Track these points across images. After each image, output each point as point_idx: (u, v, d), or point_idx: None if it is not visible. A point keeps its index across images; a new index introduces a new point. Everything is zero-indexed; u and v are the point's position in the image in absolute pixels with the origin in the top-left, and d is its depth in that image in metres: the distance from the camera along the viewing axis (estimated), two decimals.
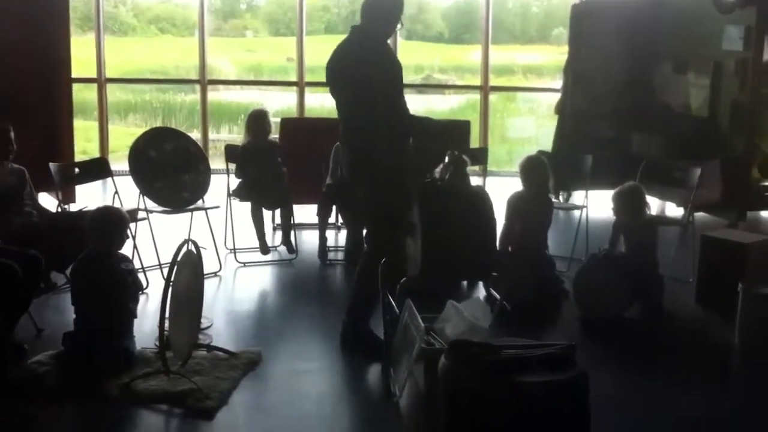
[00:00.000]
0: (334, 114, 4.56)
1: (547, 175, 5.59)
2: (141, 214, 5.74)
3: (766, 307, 4.67)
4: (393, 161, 4.27)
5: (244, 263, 6.18)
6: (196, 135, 9.40)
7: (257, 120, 6.32)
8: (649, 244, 5.29)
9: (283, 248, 6.37)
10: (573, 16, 8.56)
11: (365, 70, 4.21)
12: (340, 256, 6.38)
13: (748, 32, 7.53)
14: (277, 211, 6.52)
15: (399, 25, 4.40)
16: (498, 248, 5.30)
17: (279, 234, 6.63)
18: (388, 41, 4.56)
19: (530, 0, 19.94)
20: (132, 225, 5.18)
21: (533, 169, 5.61)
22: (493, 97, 10.40)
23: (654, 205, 7.74)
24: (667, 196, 7.56)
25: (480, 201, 4.40)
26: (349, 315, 4.55)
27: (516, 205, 5.58)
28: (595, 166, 6.66)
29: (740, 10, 7.53)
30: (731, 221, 7.28)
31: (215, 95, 13.08)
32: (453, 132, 6.49)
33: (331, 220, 6.52)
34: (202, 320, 4.52)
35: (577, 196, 7.29)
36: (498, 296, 5.12)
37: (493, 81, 10.23)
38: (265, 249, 6.20)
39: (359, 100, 4.28)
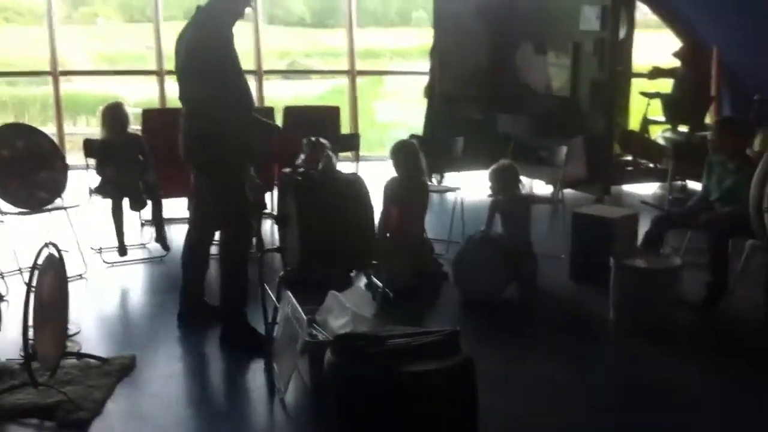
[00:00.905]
0: None
1: (419, 159, 5.57)
2: None
3: (635, 278, 4.81)
4: (228, 150, 4.20)
5: (111, 263, 5.87)
6: (51, 129, 8.88)
7: (112, 114, 6.02)
8: (524, 221, 5.37)
9: (154, 245, 6.09)
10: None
11: (202, 52, 4.12)
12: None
13: (604, 12, 7.78)
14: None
15: (247, 9, 4.28)
16: (377, 235, 5.28)
17: (149, 230, 6.33)
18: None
19: None
20: None
21: (404, 154, 5.58)
22: (360, 81, 10.34)
23: (526, 183, 7.92)
24: (536, 175, 7.73)
25: (355, 188, 4.31)
26: (224, 313, 4.40)
27: (391, 190, 5.54)
28: (466, 147, 6.72)
29: None
30: (597, 196, 7.53)
31: (70, 87, 12.42)
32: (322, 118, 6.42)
33: None
34: (70, 327, 4.25)
35: (451, 178, 7.34)
36: (380, 284, 5.07)
37: (360, 65, 10.16)
38: (122, 250, 5.90)
39: (196, 84, 4.20)
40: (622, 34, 8.46)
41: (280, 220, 4.44)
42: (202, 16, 4.22)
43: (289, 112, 7.42)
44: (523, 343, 4.61)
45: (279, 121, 7.16)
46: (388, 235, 5.45)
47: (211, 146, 4.20)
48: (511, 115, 8.38)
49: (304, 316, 3.85)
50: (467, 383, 3.22)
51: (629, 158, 8.64)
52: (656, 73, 8.90)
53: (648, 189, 8.21)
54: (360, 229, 4.26)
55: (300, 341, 3.77)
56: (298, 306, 3.88)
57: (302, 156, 5.77)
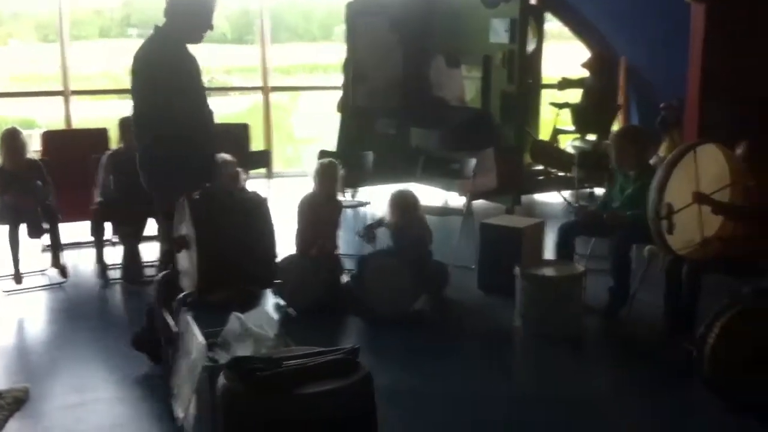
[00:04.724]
0: (104, 123, 4.34)
1: (338, 178, 5.56)
2: None
3: (540, 286, 4.87)
4: (167, 168, 4.12)
5: (7, 292, 5.67)
6: None
7: (8, 141, 5.84)
8: (420, 239, 5.35)
9: (53, 271, 5.91)
10: (348, 14, 8.60)
11: (148, 72, 4.10)
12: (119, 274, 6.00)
13: (513, 25, 7.89)
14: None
15: (208, 30, 4.22)
16: (297, 251, 5.28)
17: (48, 256, 6.13)
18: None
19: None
20: None
21: (328, 173, 5.54)
22: (279, 96, 10.27)
23: (438, 195, 7.97)
24: (448, 187, 7.78)
25: (256, 207, 4.25)
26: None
27: (306, 207, 5.50)
28: (378, 162, 6.73)
29: (505, 3, 7.88)
30: (508, 206, 7.61)
31: None
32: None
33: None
34: None
35: (363, 193, 7.33)
36: (283, 303, 5.03)
37: (279, 80, 10.10)
38: (18, 278, 5.71)
39: (143, 102, 4.16)
40: (531, 46, 8.61)
41: (177, 241, 4.34)
42: (156, 36, 4.18)
43: None
44: (432, 355, 4.61)
45: None
46: (303, 251, 5.39)
47: (155, 173, 4.15)
48: (424, 128, 8.43)
49: (203, 340, 3.77)
50: (365, 401, 3.19)
51: (540, 168, 8.77)
52: (565, 83, 9.08)
53: (559, 197, 8.34)
54: (261, 249, 4.20)
55: (198, 366, 3.69)
56: (196, 329, 3.80)
57: None
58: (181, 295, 4.18)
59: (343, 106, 8.64)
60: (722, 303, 3.91)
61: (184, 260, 4.33)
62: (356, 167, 6.90)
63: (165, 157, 4.12)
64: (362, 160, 6.82)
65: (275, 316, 4.79)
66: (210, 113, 4.33)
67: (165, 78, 4.06)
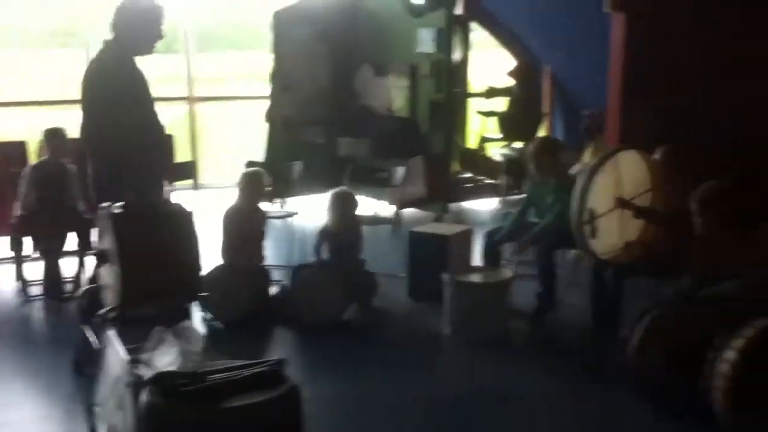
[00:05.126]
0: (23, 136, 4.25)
1: (263, 188, 5.51)
2: None
3: (468, 293, 4.91)
4: (124, 182, 4.11)
5: None
6: None
7: None
8: (353, 245, 5.38)
9: None
10: (274, 23, 8.55)
11: (96, 85, 4.10)
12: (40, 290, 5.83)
13: (440, 35, 7.96)
14: None
15: (158, 40, 4.21)
16: (223, 263, 5.19)
17: None
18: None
19: (243, 6, 19.80)
20: None
21: (254, 183, 5.49)
22: (206, 106, 10.14)
23: (368, 205, 7.96)
24: (377, 196, 7.79)
25: (179, 219, 4.17)
26: None
27: (231, 218, 5.42)
28: (306, 172, 6.70)
29: (431, 13, 7.94)
30: (437, 214, 7.66)
31: None
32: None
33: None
34: None
35: (291, 203, 7.29)
36: (210, 316, 4.95)
37: (207, 90, 9.97)
38: None
39: (97, 119, 4.15)
40: (458, 55, 8.71)
41: (99, 255, 4.24)
42: (106, 50, 4.14)
43: None
44: (361, 364, 4.60)
45: None
46: (228, 263, 5.32)
47: (110, 188, 4.08)
48: (352, 137, 8.43)
49: (126, 356, 3.68)
50: (292, 413, 3.16)
51: (468, 175, 8.85)
52: (492, 92, 9.21)
53: (488, 205, 8.43)
54: (186, 262, 4.12)
55: (120, 382, 3.60)
56: (120, 345, 3.71)
57: None
58: (103, 310, 4.08)
59: (271, 116, 8.59)
60: (645, 305, 3.99)
61: (107, 275, 4.24)
62: (284, 177, 6.86)
63: (121, 171, 4.08)
64: (290, 170, 6.79)
65: (201, 329, 4.71)
66: (161, 126, 4.33)
67: (119, 93, 4.05)
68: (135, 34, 4.12)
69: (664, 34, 5.86)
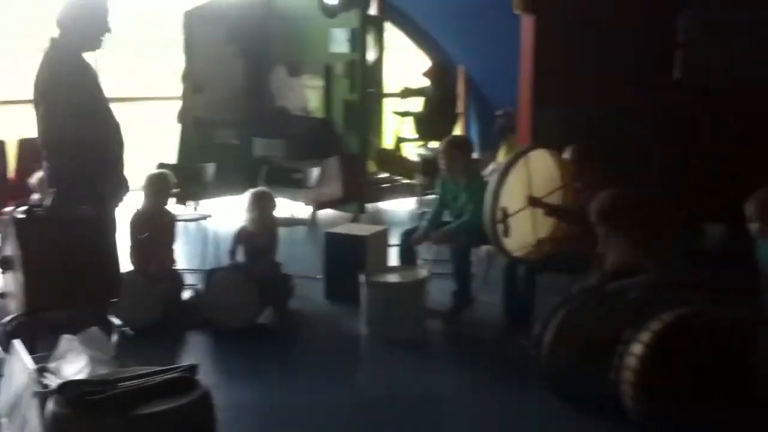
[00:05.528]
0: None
1: (168, 190, 5.39)
2: None
3: (384, 293, 4.91)
4: (87, 185, 4.02)
5: None
6: None
7: None
8: (269, 248, 5.32)
9: None
10: (186, 23, 8.39)
11: (48, 85, 3.97)
12: None
13: (353, 35, 7.95)
14: None
15: (106, 33, 4.10)
16: (133, 268, 5.07)
17: None
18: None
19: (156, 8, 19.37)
20: None
21: (156, 185, 5.37)
22: (119, 107, 9.84)
23: (283, 206, 7.89)
24: (293, 197, 7.73)
25: (88, 225, 4.06)
26: None
27: (138, 222, 5.29)
28: (220, 173, 6.59)
29: (345, 13, 7.92)
30: (354, 215, 7.65)
31: None
32: None
33: None
34: None
35: (204, 205, 7.16)
36: (119, 323, 4.82)
37: (115, 92, 9.69)
38: None
39: (44, 117, 4.01)
40: (372, 55, 8.71)
41: (3, 263, 4.09)
42: (53, 49, 4.02)
43: (24, 145, 6.89)
44: (277, 367, 4.55)
45: (12, 155, 6.68)
46: (137, 268, 5.19)
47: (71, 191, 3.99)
48: (267, 138, 8.35)
49: (32, 365, 3.55)
50: (204, 419, 3.11)
51: (384, 175, 8.87)
52: (407, 92, 9.25)
53: (404, 205, 8.46)
54: (93, 268, 4.01)
55: (26, 392, 3.47)
56: (25, 354, 3.58)
57: (36, 194, 5.40)
58: (7, 318, 3.95)
59: (183, 117, 8.43)
60: (556, 301, 4.06)
61: (11, 282, 4.09)
62: (197, 179, 6.74)
63: (81, 174, 3.99)
64: (203, 171, 6.67)
65: (112, 336, 4.57)
66: (117, 124, 4.22)
67: (72, 92, 3.95)
68: (83, 28, 4.02)
69: (572, 36, 5.99)
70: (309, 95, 8.54)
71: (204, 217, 6.41)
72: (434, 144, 8.92)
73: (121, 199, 4.24)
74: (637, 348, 3.57)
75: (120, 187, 4.22)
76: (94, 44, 4.09)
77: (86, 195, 4.02)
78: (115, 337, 4.24)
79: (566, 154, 4.96)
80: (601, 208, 4.21)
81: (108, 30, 4.11)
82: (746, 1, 6.15)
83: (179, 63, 8.40)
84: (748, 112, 6.06)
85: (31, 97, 4.08)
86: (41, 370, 3.74)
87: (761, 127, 6.05)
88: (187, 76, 8.44)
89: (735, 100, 6.04)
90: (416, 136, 9.18)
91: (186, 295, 5.33)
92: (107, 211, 4.09)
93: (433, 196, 8.25)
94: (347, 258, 5.45)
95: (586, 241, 4.59)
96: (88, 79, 4.07)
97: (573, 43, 5.98)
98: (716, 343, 3.56)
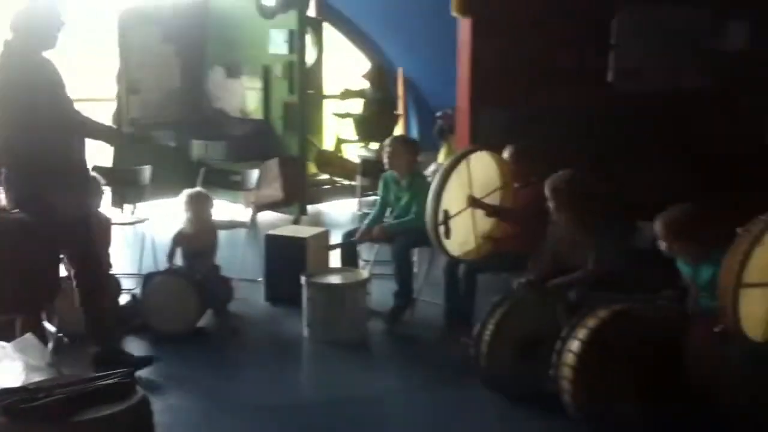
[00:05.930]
0: None
1: (99, 193, 5.28)
2: None
3: (325, 294, 4.90)
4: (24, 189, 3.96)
5: None
6: None
7: None
8: (208, 251, 5.27)
9: None
10: (120, 23, 8.24)
11: (9, 92, 3.91)
12: None
13: (292, 36, 7.92)
14: None
15: (60, 27, 4.02)
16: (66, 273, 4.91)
17: None
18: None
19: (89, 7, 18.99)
20: None
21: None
22: None
23: (222, 209, 7.81)
24: (233, 199, 7.66)
25: (21, 228, 3.96)
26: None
27: None
28: (156, 176, 6.49)
29: (282, 14, 7.88)
30: (295, 217, 7.61)
31: None
32: None
33: None
34: None
35: (141, 208, 7.04)
36: (53, 329, 4.71)
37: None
38: None
39: (6, 124, 3.95)
40: (311, 57, 8.69)
41: None
42: (6, 52, 3.94)
43: None
44: (217, 372, 4.50)
45: None
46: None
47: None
48: (205, 140, 8.26)
49: None
50: (142, 424, 3.08)
51: (325, 177, 8.86)
52: (347, 94, 9.25)
53: (346, 206, 8.46)
54: (26, 273, 3.92)
55: None
56: None
57: None
58: None
59: (118, 119, 8.27)
60: (494, 300, 4.11)
61: None
62: (134, 182, 6.63)
63: (39, 176, 3.93)
64: (140, 174, 6.55)
65: (46, 343, 4.46)
66: (81, 123, 4.14)
67: (27, 95, 3.87)
68: (36, 27, 3.95)
69: (509, 37, 6.05)
70: (247, 97, 8.47)
71: (141, 221, 6.31)
72: (374, 145, 8.95)
73: (80, 205, 4.15)
74: (574, 344, 3.63)
75: (78, 192, 4.13)
76: (51, 41, 4.02)
77: (34, 201, 3.96)
78: (50, 344, 4.15)
79: (505, 154, 5.02)
80: (555, 185, 4.30)
81: (62, 23, 4.05)
82: (672, 3, 6.31)
83: (114, 63, 8.24)
84: (678, 113, 6.20)
85: None
86: None
87: (693, 128, 6.20)
88: (122, 77, 8.30)
89: (665, 103, 6.18)
90: (356, 137, 9.19)
91: (123, 300, 5.24)
92: (51, 216, 3.98)
93: (374, 198, 8.32)
94: (288, 260, 5.43)
95: (525, 240, 4.66)
96: (45, 78, 3.99)
97: (510, 44, 6.04)
98: (651, 339, 3.64)
